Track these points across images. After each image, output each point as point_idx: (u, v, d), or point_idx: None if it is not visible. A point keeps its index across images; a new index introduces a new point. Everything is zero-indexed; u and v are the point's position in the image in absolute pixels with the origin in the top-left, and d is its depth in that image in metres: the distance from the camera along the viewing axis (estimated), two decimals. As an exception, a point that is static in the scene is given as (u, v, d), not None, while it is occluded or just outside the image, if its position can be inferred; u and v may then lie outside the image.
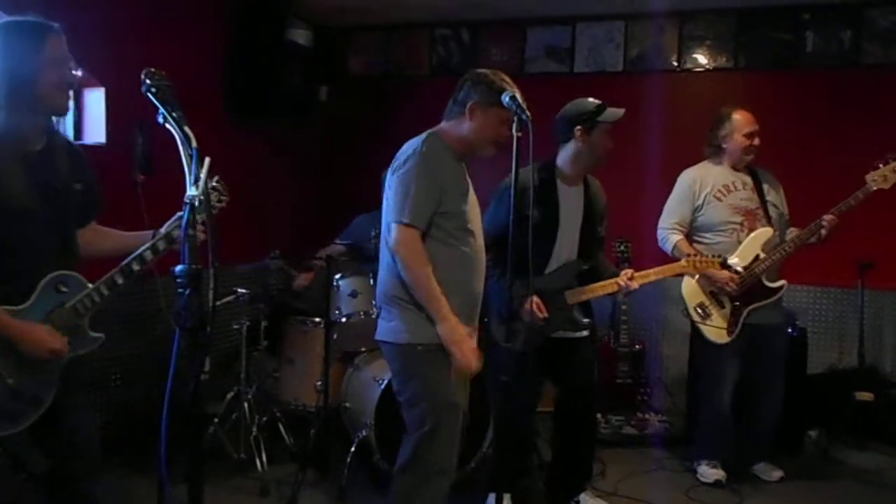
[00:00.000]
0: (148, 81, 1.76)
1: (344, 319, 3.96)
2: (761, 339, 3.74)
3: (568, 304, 3.22)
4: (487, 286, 2.82)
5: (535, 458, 3.67)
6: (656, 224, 3.88)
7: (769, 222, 3.71)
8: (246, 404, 3.79)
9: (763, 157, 3.81)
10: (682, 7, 4.99)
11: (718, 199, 3.74)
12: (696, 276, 3.67)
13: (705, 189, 3.77)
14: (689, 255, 3.41)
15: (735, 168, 3.79)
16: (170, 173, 1.85)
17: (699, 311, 3.70)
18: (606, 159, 3.24)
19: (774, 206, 3.78)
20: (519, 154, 2.35)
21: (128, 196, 3.73)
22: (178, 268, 1.63)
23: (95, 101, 3.90)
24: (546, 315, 3.12)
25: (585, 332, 3.30)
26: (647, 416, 4.44)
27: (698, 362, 3.96)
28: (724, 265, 3.34)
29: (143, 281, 2.30)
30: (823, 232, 3.55)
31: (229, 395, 3.88)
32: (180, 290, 1.62)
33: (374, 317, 3.27)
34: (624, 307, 4.49)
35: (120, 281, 2.16)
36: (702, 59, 5.08)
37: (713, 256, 3.34)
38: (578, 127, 3.16)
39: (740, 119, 3.73)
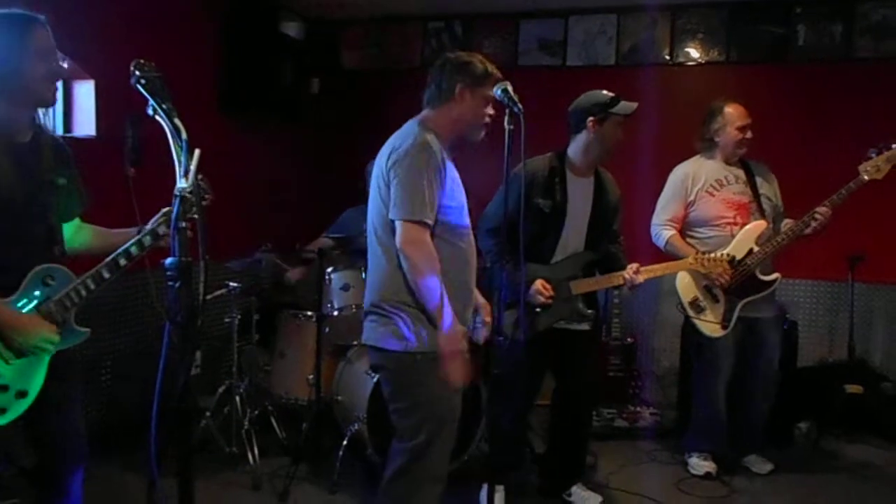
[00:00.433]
0: (137, 73, 1.74)
1: (336, 313, 3.96)
2: (756, 333, 3.75)
3: (572, 294, 3.21)
4: (489, 274, 2.80)
5: (527, 451, 3.68)
6: (649, 219, 3.88)
7: (762, 215, 3.71)
8: (238, 398, 3.78)
9: (755, 150, 3.81)
10: (675, 1, 5.00)
11: (711, 195, 3.74)
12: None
13: (698, 184, 3.77)
14: (696, 253, 3.44)
15: (728, 162, 3.79)
16: (161, 166, 1.84)
17: (694, 305, 3.71)
18: (616, 151, 3.24)
19: (768, 198, 3.78)
20: (511, 147, 2.35)
21: (118, 189, 3.70)
22: (169, 261, 1.62)
23: (85, 93, 3.87)
24: (552, 294, 3.11)
25: (588, 326, 3.29)
26: (638, 408, 4.46)
27: (692, 356, 3.96)
28: (733, 264, 3.35)
29: (133, 274, 2.28)
30: (815, 224, 3.55)
31: (221, 389, 3.87)
32: (170, 284, 1.61)
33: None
34: (616, 300, 4.50)
35: (107, 275, 2.15)
36: (694, 52, 5.08)
37: (722, 254, 3.36)
38: (591, 118, 3.17)
39: (733, 112, 3.73)
